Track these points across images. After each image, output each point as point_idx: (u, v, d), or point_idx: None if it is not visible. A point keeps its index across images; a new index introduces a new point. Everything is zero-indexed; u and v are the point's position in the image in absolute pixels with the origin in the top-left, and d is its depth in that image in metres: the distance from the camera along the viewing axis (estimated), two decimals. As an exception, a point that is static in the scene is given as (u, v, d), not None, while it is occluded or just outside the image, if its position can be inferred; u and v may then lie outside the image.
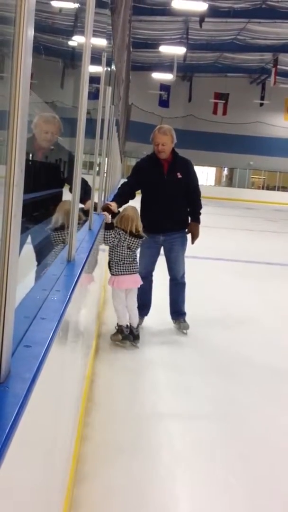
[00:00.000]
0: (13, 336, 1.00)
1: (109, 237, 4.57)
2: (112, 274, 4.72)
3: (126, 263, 4.67)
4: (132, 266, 4.71)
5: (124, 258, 4.66)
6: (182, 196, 5.13)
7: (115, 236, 4.58)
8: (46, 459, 1.48)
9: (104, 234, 4.54)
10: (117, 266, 4.66)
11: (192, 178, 5.22)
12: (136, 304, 4.82)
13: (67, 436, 2.10)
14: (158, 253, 5.26)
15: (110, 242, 4.59)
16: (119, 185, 5.33)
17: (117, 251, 4.64)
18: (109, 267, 4.76)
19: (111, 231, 4.58)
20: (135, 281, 4.76)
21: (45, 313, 1.41)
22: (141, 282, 4.81)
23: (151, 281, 5.31)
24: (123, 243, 4.61)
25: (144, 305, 5.25)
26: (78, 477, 2.63)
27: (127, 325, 4.72)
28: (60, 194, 4.42)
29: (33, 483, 1.29)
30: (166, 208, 5.06)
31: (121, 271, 4.66)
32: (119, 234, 4.59)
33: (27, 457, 1.16)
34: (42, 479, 1.42)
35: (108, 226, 4.55)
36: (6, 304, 0.95)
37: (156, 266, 5.29)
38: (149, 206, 5.10)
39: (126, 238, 4.59)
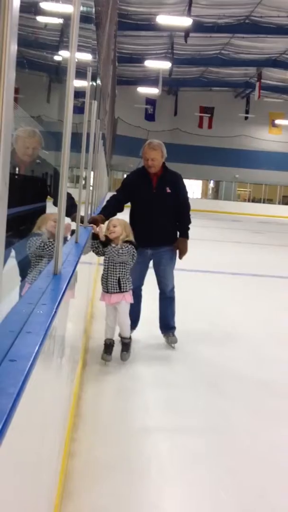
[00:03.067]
0: (-3, 350, 0.99)
1: (124, 253, 4.45)
2: (126, 291, 4.59)
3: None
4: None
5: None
6: (171, 210, 5.09)
7: (129, 252, 4.48)
8: (32, 475, 1.47)
9: (121, 249, 4.45)
10: (129, 280, 4.59)
11: (181, 193, 5.17)
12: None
13: (53, 452, 2.08)
14: (146, 267, 5.23)
15: (129, 256, 4.50)
16: (108, 198, 5.29)
17: (127, 266, 4.56)
18: (119, 284, 4.55)
19: (127, 246, 4.48)
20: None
21: (30, 327, 1.39)
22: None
23: (140, 296, 5.27)
24: (131, 257, 4.54)
25: (133, 319, 5.22)
26: (66, 493, 2.60)
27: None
28: (43, 208, 4.41)
29: (19, 499, 1.27)
30: (155, 222, 5.03)
31: (131, 286, 4.62)
32: (131, 249, 4.50)
33: (12, 473, 1.14)
34: (28, 495, 1.40)
35: (94, 237, 4.49)
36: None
37: (146, 279, 5.27)
38: (138, 219, 5.09)
39: (134, 252, 4.52)
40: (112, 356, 4.60)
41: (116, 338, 4.75)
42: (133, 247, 4.54)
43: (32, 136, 4.08)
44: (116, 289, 4.53)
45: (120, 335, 4.76)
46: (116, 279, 4.53)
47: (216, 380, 4.48)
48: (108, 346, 4.62)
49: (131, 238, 4.58)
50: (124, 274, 4.56)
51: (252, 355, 5.23)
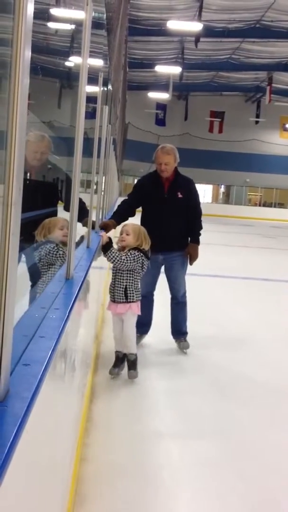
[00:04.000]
0: (11, 354, 0.99)
1: (130, 259, 4.16)
2: (133, 301, 4.31)
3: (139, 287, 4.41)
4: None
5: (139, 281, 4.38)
6: (182, 215, 5.06)
7: (136, 259, 4.20)
8: (45, 479, 1.47)
9: (127, 256, 4.18)
10: (137, 290, 4.33)
11: (193, 198, 5.14)
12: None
13: (66, 456, 2.08)
14: (158, 273, 5.20)
15: (132, 264, 4.19)
16: (120, 203, 5.26)
17: (138, 275, 4.31)
18: (125, 293, 4.28)
19: (129, 251, 4.21)
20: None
21: (44, 332, 1.40)
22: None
23: (151, 301, 5.26)
24: (140, 265, 4.27)
25: (144, 323, 5.22)
26: (78, 498, 2.60)
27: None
28: (54, 213, 4.41)
29: (32, 504, 1.27)
30: (166, 227, 5.00)
31: (139, 296, 4.38)
32: (140, 257, 4.23)
33: (26, 477, 1.14)
34: (41, 499, 1.41)
35: (105, 248, 4.14)
36: (4, 322, 0.94)
37: (158, 284, 5.25)
38: (149, 224, 5.05)
39: (143, 261, 4.27)
40: (120, 369, 4.40)
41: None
42: (141, 254, 4.26)
43: (40, 141, 4.09)
44: (123, 299, 4.26)
45: (125, 351, 4.40)
46: (122, 288, 4.27)
47: (227, 385, 4.47)
48: (118, 359, 4.40)
49: (145, 246, 4.30)
50: (131, 283, 4.29)
51: (264, 361, 5.20)
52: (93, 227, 4.07)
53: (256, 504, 2.78)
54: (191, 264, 5.20)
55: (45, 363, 1.19)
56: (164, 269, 5.20)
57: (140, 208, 5.18)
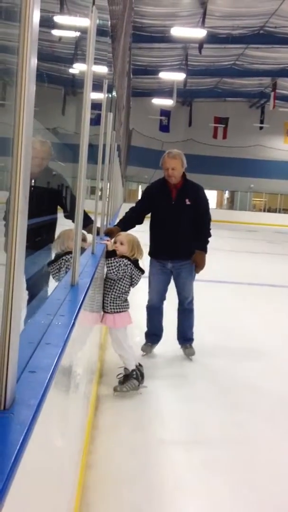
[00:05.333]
0: (17, 362, 0.99)
1: (115, 267, 3.99)
2: (107, 312, 4.08)
3: (125, 299, 4.17)
4: (127, 301, 4.22)
5: (126, 292, 4.16)
6: (190, 222, 5.00)
7: (121, 267, 4.03)
8: (51, 486, 1.46)
9: (110, 263, 4.00)
10: (115, 301, 4.09)
11: (201, 205, 5.08)
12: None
13: (72, 463, 2.08)
14: (168, 281, 5.16)
15: (115, 273, 4.02)
16: (128, 210, 5.19)
17: (120, 285, 4.10)
18: (107, 303, 4.10)
19: (115, 259, 4.02)
20: (130, 316, 4.24)
21: (49, 338, 1.40)
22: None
23: (161, 310, 5.22)
24: (128, 275, 4.10)
25: (155, 333, 5.21)
26: (83, 505, 2.59)
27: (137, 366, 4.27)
28: (54, 221, 4.39)
29: (38, 510, 1.27)
30: (174, 234, 4.97)
31: (121, 308, 4.12)
32: (126, 266, 4.06)
33: (32, 484, 1.14)
34: (47, 506, 1.40)
35: (110, 254, 4.02)
36: (11, 329, 0.94)
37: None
38: (157, 231, 5.05)
39: (132, 270, 4.09)
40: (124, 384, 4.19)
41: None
42: (129, 263, 4.07)
43: (40, 147, 4.08)
44: (100, 308, 4.04)
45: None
46: (101, 296, 4.03)
47: (233, 392, 4.45)
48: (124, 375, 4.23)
49: (138, 256, 4.18)
50: (110, 292, 4.08)
51: (269, 368, 5.18)
52: (97, 233, 4.06)
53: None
54: (197, 272, 5.14)
55: (51, 370, 1.19)
56: (172, 276, 5.16)
57: (148, 215, 5.15)
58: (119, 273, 4.04)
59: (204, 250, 5.09)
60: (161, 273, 5.08)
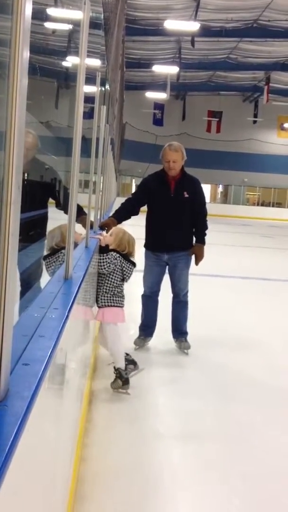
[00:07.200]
0: (11, 354, 0.99)
1: (105, 262, 3.96)
2: (99, 306, 4.05)
3: (117, 293, 4.12)
4: (123, 298, 4.17)
5: (118, 286, 4.11)
6: (188, 215, 5.04)
7: (111, 261, 4.01)
8: (45, 479, 1.47)
9: (100, 258, 3.96)
10: (106, 295, 4.06)
11: (198, 198, 5.14)
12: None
13: (66, 456, 2.08)
14: (163, 273, 5.19)
15: (106, 268, 3.98)
16: (123, 201, 5.15)
17: (110, 279, 4.06)
18: (99, 297, 4.07)
19: (106, 254, 3.98)
20: (124, 315, 4.17)
21: (43, 331, 1.40)
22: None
23: (156, 302, 5.24)
24: (119, 269, 4.08)
25: (149, 325, 5.21)
26: (78, 499, 2.60)
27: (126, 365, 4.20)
28: (45, 214, 4.37)
29: (32, 503, 1.27)
30: (171, 226, 4.99)
31: (112, 302, 4.07)
32: (116, 259, 4.04)
33: (26, 477, 1.14)
34: (41, 499, 1.41)
35: (103, 250, 3.97)
36: (4, 322, 0.94)
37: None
38: (154, 224, 5.06)
39: (123, 263, 4.07)
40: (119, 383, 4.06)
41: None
42: (118, 255, 4.06)
43: (25, 137, 4.04)
44: (94, 302, 4.00)
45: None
46: (95, 290, 4.01)
47: (228, 386, 4.46)
48: (123, 374, 4.07)
49: (128, 252, 4.15)
50: (102, 286, 4.05)
51: (265, 362, 5.19)
52: (91, 227, 4.06)
53: (259, 506, 2.78)
54: (196, 264, 5.17)
55: (45, 363, 1.19)
56: (168, 267, 5.18)
57: (144, 208, 5.15)
58: (110, 267, 4.02)
59: (203, 242, 5.15)
60: (156, 265, 5.09)
